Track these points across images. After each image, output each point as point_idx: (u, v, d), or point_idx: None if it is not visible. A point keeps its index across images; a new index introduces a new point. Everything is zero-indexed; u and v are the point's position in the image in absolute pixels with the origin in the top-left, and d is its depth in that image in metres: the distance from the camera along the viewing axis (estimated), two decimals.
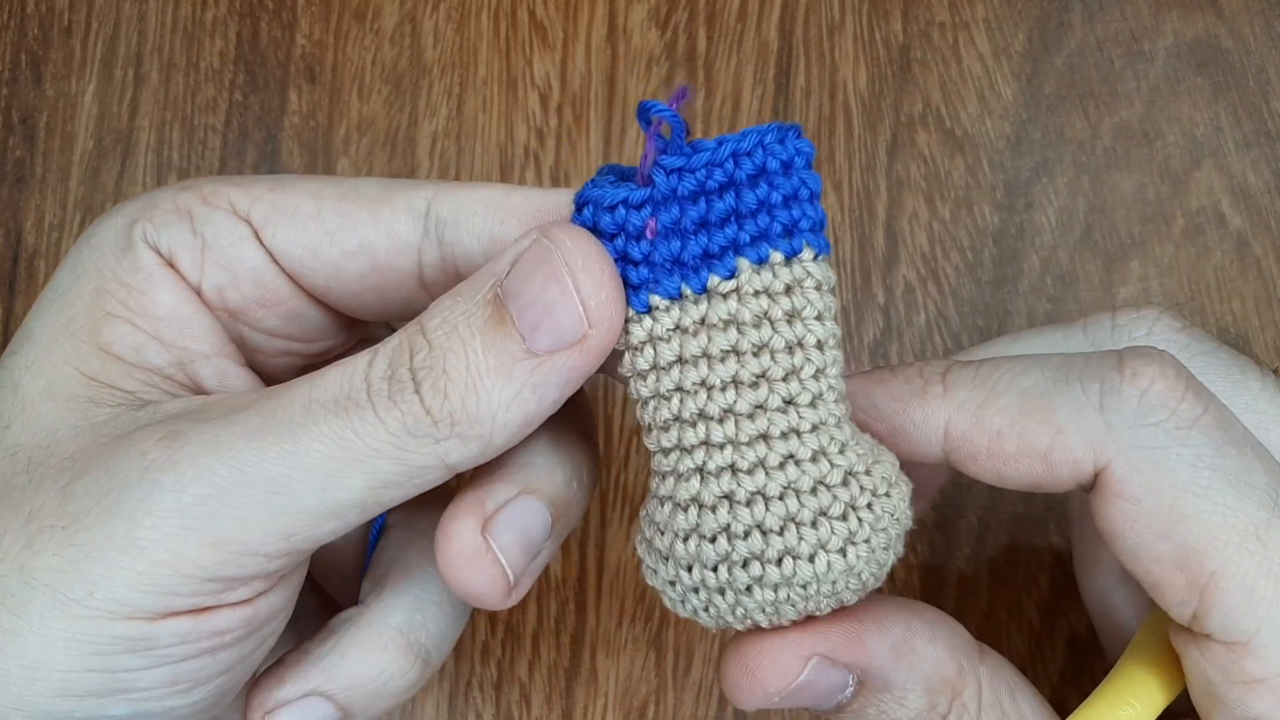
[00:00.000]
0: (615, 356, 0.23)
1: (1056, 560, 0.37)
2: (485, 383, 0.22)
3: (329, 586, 0.32)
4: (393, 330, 0.31)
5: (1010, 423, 0.24)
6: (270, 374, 0.28)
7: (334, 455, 0.21)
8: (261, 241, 0.26)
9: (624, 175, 0.24)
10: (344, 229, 0.25)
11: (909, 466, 0.25)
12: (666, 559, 0.24)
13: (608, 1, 0.41)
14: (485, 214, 0.25)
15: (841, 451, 0.23)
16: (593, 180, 0.23)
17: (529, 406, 0.22)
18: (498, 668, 0.37)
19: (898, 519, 0.23)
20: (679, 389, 0.23)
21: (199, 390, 0.26)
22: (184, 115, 0.41)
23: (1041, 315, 0.38)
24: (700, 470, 0.23)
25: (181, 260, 0.25)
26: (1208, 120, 0.39)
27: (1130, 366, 0.23)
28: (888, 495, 0.23)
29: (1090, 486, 0.24)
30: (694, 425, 0.23)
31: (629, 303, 0.23)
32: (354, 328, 0.29)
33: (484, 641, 0.38)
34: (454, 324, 0.22)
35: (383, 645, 0.26)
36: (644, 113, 0.22)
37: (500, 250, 0.23)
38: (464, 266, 0.25)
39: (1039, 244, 0.38)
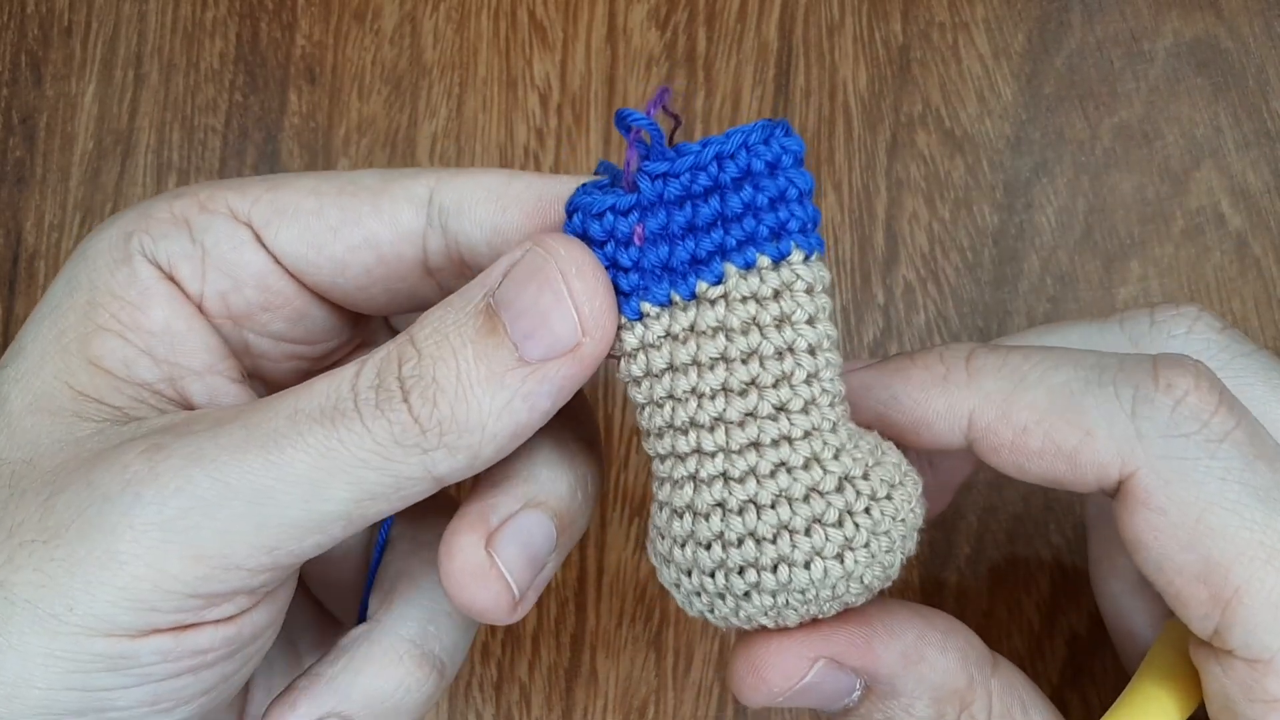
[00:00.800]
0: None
1: (1056, 560, 0.37)
2: (475, 391, 0.21)
3: (330, 602, 0.32)
4: (393, 331, 0.31)
5: (1038, 419, 0.24)
6: (276, 381, 0.28)
7: (318, 466, 0.21)
8: (263, 243, 0.25)
9: (617, 176, 0.24)
10: (347, 223, 0.25)
11: (932, 457, 0.25)
12: (668, 563, 0.24)
13: (607, 2, 0.41)
14: (487, 202, 0.25)
15: (836, 456, 0.22)
16: (583, 186, 0.23)
17: (520, 416, 0.22)
18: (498, 668, 0.37)
19: (902, 520, 0.23)
20: (671, 396, 0.22)
21: (188, 407, 0.25)
22: (184, 116, 0.41)
23: (1041, 315, 0.38)
24: (693, 478, 0.23)
25: (181, 271, 0.25)
26: (1207, 120, 0.39)
27: (1165, 376, 0.23)
28: (888, 498, 0.23)
29: (1113, 491, 0.24)
30: (686, 433, 0.22)
31: (621, 310, 0.23)
32: (358, 326, 0.29)
33: (484, 642, 0.38)
34: (444, 333, 0.22)
35: (397, 659, 0.25)
36: (622, 120, 0.22)
37: (494, 259, 0.23)
38: (467, 254, 0.25)
39: (1039, 244, 0.38)
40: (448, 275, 0.26)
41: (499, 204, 0.25)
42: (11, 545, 0.21)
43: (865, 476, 0.23)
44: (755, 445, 0.22)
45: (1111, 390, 0.23)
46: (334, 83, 0.41)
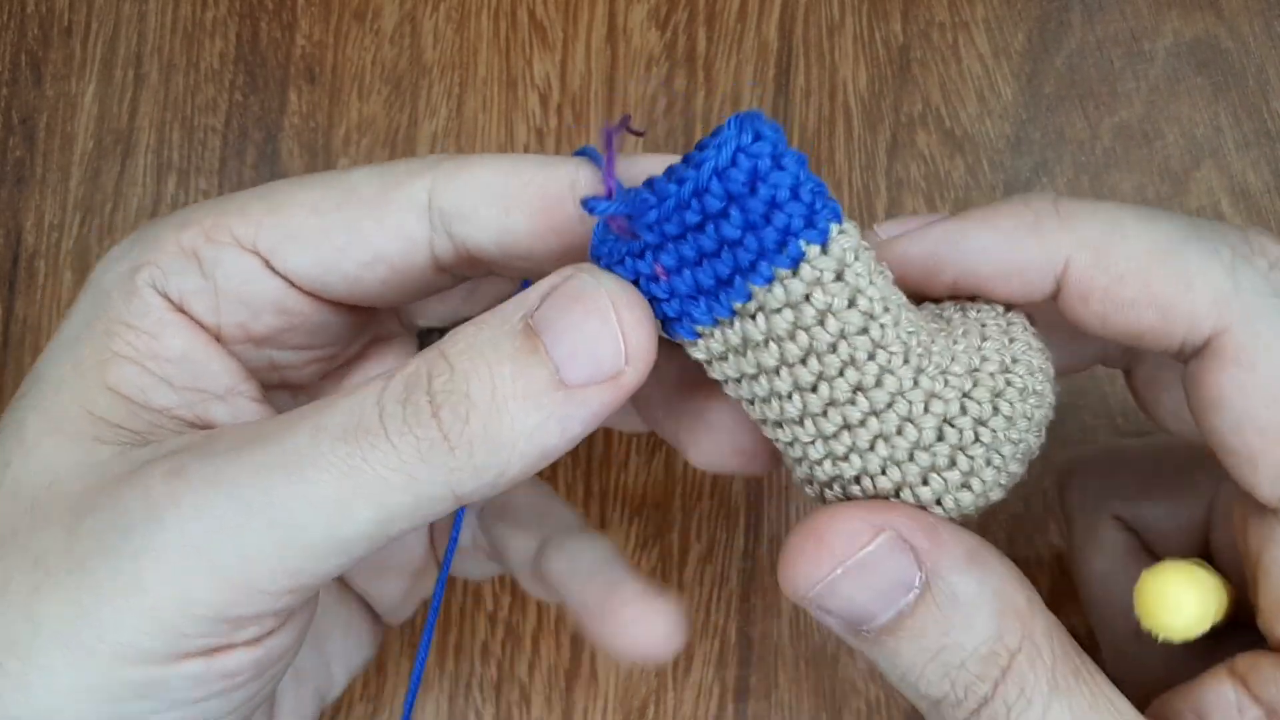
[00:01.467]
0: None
1: (1056, 560, 0.37)
2: (510, 408, 0.21)
3: (375, 586, 0.32)
4: (402, 322, 0.31)
5: (1137, 267, 0.23)
6: (300, 384, 0.28)
7: (342, 485, 0.21)
8: (274, 269, 0.25)
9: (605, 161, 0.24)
10: (354, 242, 0.25)
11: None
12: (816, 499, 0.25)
13: (608, 1, 0.41)
14: (490, 205, 0.24)
15: (927, 409, 0.23)
16: (596, 229, 0.23)
17: (551, 439, 0.21)
18: (498, 668, 0.37)
19: (1023, 420, 0.23)
20: (755, 398, 0.23)
21: (209, 428, 0.25)
22: (184, 116, 0.41)
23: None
24: (804, 459, 0.23)
25: (195, 305, 0.25)
26: (1207, 120, 0.39)
27: (1257, 241, 0.24)
28: (996, 413, 0.23)
29: (1193, 352, 0.23)
30: (780, 426, 0.23)
31: (679, 334, 0.23)
32: (372, 321, 0.29)
33: (484, 642, 0.37)
34: (480, 349, 0.21)
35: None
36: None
37: (504, 258, 0.23)
38: (475, 252, 0.25)
39: None
40: (460, 269, 0.26)
41: (502, 206, 0.24)
42: (38, 575, 0.21)
43: (963, 409, 0.23)
44: (846, 428, 0.23)
45: (1210, 246, 0.23)
46: (334, 82, 0.41)
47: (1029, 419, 0.24)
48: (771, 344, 0.22)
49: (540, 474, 0.24)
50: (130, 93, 0.41)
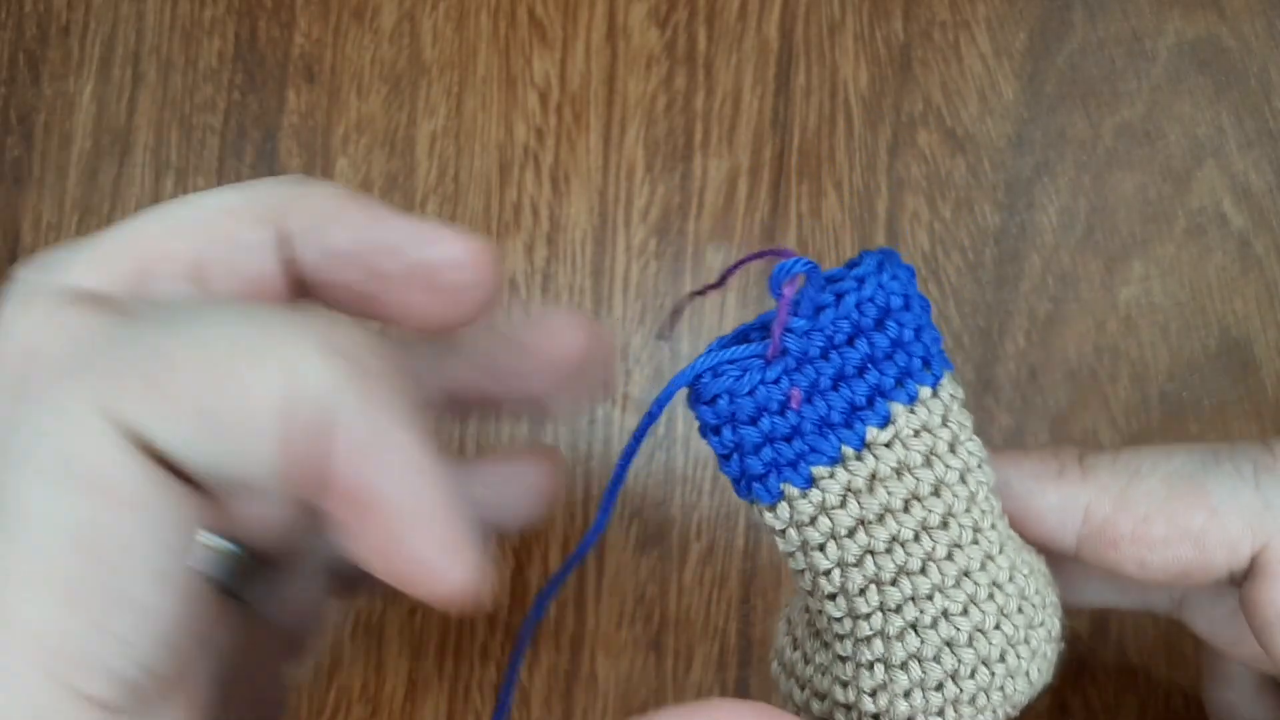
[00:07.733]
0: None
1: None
2: None
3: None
4: None
5: (1159, 505, 0.23)
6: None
7: None
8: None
9: (737, 339, 0.22)
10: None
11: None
12: (820, 698, 0.23)
13: (607, 0, 0.41)
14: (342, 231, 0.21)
15: (1011, 578, 0.22)
16: (710, 368, 0.21)
17: None
18: (497, 669, 0.37)
19: (1057, 619, 0.24)
20: (870, 551, 0.21)
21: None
22: (182, 115, 0.41)
23: (1043, 315, 0.38)
24: (881, 634, 0.22)
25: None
26: (1209, 120, 0.38)
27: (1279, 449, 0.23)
28: (1039, 598, 0.23)
29: (1243, 573, 0.23)
30: (895, 583, 0.21)
31: (790, 480, 0.21)
32: None
33: (483, 643, 0.37)
34: None
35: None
36: (776, 282, 0.20)
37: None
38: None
39: (1040, 244, 0.38)
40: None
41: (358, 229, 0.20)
42: None
43: (1039, 591, 0.23)
44: (966, 573, 0.22)
45: (1230, 467, 0.23)
46: (332, 81, 0.41)
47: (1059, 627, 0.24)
48: (906, 475, 0.21)
49: None
50: (128, 92, 0.41)
